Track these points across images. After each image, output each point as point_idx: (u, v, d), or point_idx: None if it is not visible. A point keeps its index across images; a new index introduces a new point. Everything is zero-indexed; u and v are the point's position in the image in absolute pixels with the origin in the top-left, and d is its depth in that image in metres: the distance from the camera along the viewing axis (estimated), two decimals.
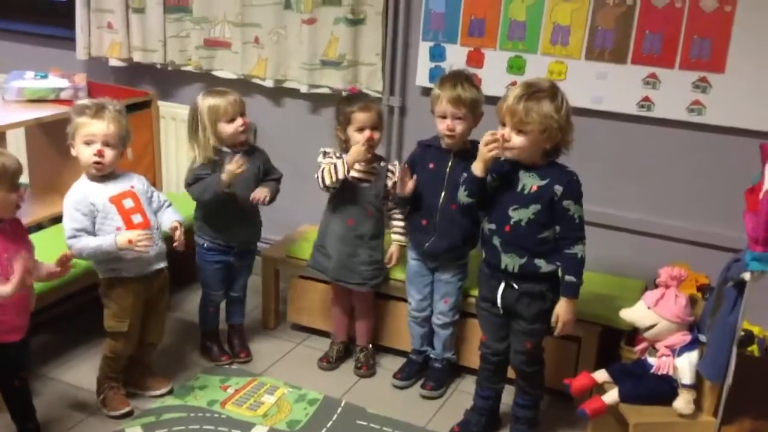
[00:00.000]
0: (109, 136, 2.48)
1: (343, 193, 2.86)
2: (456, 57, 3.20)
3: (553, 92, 2.30)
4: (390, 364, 3.09)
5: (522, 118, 2.26)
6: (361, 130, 2.80)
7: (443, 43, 3.24)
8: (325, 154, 2.85)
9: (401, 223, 2.94)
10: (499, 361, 2.59)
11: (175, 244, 2.60)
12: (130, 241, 2.47)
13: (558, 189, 2.32)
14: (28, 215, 3.24)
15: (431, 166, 2.77)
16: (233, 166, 2.71)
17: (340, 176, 2.76)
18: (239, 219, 2.91)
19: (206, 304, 3.05)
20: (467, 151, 2.70)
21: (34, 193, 3.51)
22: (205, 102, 2.81)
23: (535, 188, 2.34)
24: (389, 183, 2.89)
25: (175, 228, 2.59)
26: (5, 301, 2.18)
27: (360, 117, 2.80)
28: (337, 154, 2.84)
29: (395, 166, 2.90)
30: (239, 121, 2.81)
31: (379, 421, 2.76)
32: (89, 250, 2.48)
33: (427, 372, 2.97)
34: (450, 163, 2.74)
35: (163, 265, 2.66)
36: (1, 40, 4.15)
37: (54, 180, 3.22)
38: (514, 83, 2.92)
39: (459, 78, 2.70)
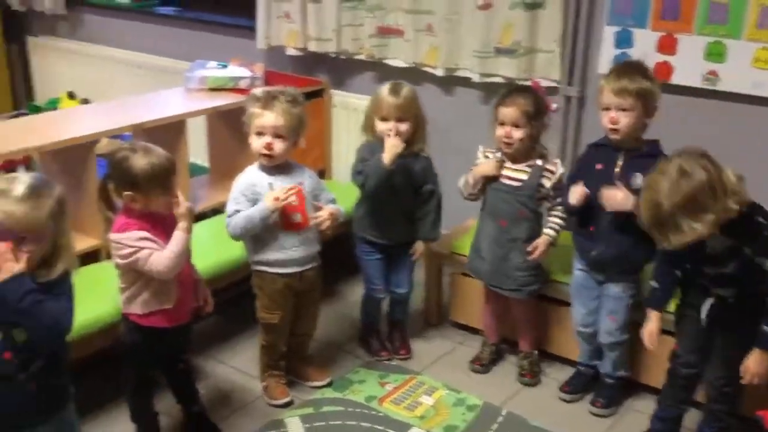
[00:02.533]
0: (279, 128, 2.46)
1: (494, 194, 2.70)
2: (645, 43, 2.93)
3: None
4: (557, 374, 2.89)
5: None
6: (502, 125, 2.62)
7: (631, 28, 2.97)
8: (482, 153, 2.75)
9: (558, 221, 2.71)
10: (690, 376, 2.34)
11: (323, 226, 2.54)
12: (276, 199, 2.45)
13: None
14: (206, 200, 3.37)
15: (598, 167, 2.53)
16: (391, 142, 2.61)
17: (471, 190, 2.69)
18: (399, 214, 2.83)
19: (368, 298, 3.00)
20: (639, 150, 2.45)
21: (213, 178, 3.65)
22: (376, 93, 2.76)
23: None
24: (546, 183, 2.67)
25: (326, 215, 2.53)
26: (179, 286, 2.25)
27: (502, 112, 2.63)
28: (487, 154, 2.71)
29: (556, 165, 2.69)
30: (390, 124, 2.70)
31: None
32: (242, 221, 2.47)
33: (598, 387, 2.75)
34: (619, 163, 2.48)
35: (313, 265, 2.63)
36: (188, 30, 4.35)
37: (232, 166, 3.29)
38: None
39: (628, 67, 2.47)
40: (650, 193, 1.99)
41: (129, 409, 2.43)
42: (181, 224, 2.20)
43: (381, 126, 2.72)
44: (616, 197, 2.42)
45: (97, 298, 2.45)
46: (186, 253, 2.22)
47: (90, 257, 2.82)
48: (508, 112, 2.61)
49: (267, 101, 2.47)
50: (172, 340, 2.36)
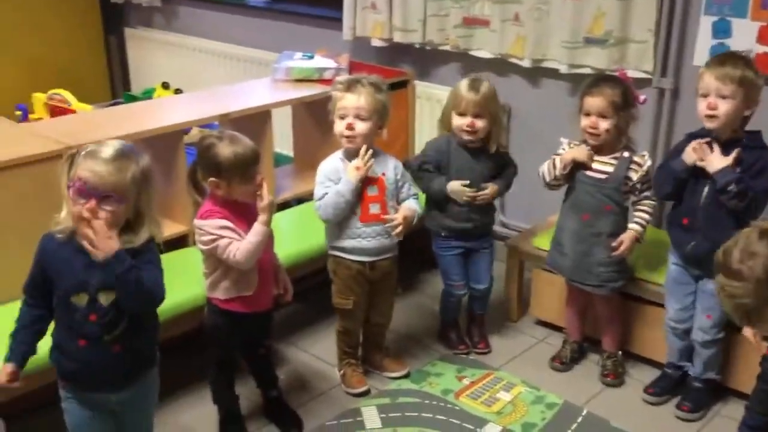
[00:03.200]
0: (361, 109, 2.47)
1: (578, 186, 2.62)
2: (744, 33, 2.78)
3: None
4: (641, 375, 2.80)
5: None
6: (587, 115, 2.54)
7: (729, 17, 2.83)
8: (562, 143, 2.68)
9: (645, 215, 2.62)
10: None
11: (395, 232, 2.55)
12: (358, 168, 2.46)
13: None
14: (289, 189, 3.42)
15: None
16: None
17: (557, 173, 2.61)
18: (473, 205, 2.78)
19: (447, 295, 2.97)
20: (739, 141, 2.33)
21: (296, 168, 3.70)
22: (454, 88, 2.74)
23: None
24: (633, 176, 2.58)
25: (401, 219, 2.53)
26: (259, 274, 2.29)
27: (587, 101, 2.55)
28: (572, 144, 2.64)
29: (643, 157, 2.59)
30: (467, 120, 2.67)
31: None
32: (332, 199, 2.49)
33: (685, 390, 2.64)
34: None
35: (387, 256, 2.63)
36: (277, 21, 4.41)
37: (316, 156, 3.32)
38: None
39: (732, 55, 2.37)
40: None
41: (211, 391, 2.50)
42: (261, 217, 2.23)
43: (458, 121, 2.69)
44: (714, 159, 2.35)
45: (184, 282, 2.51)
46: (263, 246, 2.25)
47: (179, 242, 2.90)
48: (595, 101, 2.53)
49: (350, 85, 2.49)
50: (252, 326, 2.41)
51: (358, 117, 2.47)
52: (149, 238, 1.87)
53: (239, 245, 2.20)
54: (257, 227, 2.22)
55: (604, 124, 2.53)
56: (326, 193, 2.51)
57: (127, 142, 1.89)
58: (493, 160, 2.77)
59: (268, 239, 2.29)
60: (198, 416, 2.57)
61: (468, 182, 2.72)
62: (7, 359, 1.89)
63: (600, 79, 2.61)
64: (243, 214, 2.26)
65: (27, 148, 2.49)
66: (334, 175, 2.53)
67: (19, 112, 4.28)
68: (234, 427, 2.49)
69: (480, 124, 2.67)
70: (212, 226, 2.21)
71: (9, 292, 2.22)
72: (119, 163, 1.77)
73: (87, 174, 1.75)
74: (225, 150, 2.19)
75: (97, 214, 1.75)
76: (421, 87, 3.72)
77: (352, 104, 2.46)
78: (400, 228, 2.54)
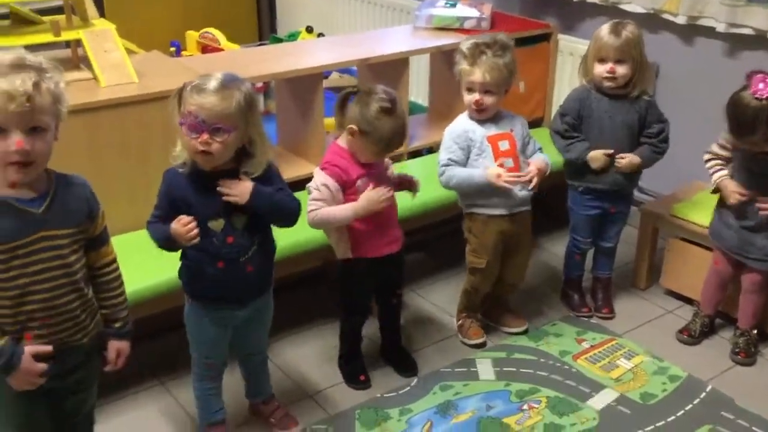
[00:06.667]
0: (488, 85, 2.44)
1: (745, 155, 2.46)
2: None
3: None
4: None
5: None
6: None
7: None
8: None
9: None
10: None
11: (531, 186, 2.51)
12: (498, 176, 2.44)
13: None
14: (422, 138, 3.41)
15: None
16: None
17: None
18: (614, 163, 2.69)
19: (572, 250, 2.91)
20: None
21: (430, 117, 3.69)
22: (595, 32, 2.64)
23: None
24: None
25: (534, 170, 2.50)
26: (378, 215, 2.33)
27: None
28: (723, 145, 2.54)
29: None
30: (608, 66, 2.56)
31: (748, 418, 2.39)
32: (458, 179, 2.50)
33: None
34: None
35: (525, 208, 2.59)
36: None
37: (451, 107, 3.31)
38: None
39: None
40: None
41: (340, 326, 2.57)
42: (358, 204, 2.27)
43: (598, 68, 2.59)
44: None
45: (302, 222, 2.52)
46: (338, 224, 2.33)
47: (309, 182, 2.97)
48: None
49: (474, 57, 2.44)
50: (380, 272, 2.44)
51: (485, 92, 2.45)
52: (269, 162, 1.98)
53: (323, 208, 2.26)
54: (349, 209, 2.28)
55: None
56: (451, 159, 2.49)
57: (234, 74, 1.94)
58: (636, 109, 2.65)
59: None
60: (302, 354, 2.67)
61: (611, 151, 2.63)
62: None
63: None
64: (370, 170, 2.31)
65: (176, 81, 2.62)
66: (461, 138, 2.51)
67: (173, 48, 4.50)
68: (354, 363, 2.57)
69: (621, 70, 2.56)
70: (318, 178, 2.29)
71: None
72: (223, 94, 1.84)
73: (194, 108, 1.84)
74: (387, 120, 2.22)
75: (210, 147, 1.84)
76: (564, 41, 3.60)
77: (478, 80, 2.43)
78: (535, 180, 2.50)
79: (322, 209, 2.26)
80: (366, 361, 2.59)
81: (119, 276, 1.80)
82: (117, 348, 1.80)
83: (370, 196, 2.28)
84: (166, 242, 1.96)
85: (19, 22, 2.58)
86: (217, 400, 2.24)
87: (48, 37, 2.53)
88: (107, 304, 1.78)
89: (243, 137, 1.91)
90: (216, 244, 1.96)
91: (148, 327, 2.31)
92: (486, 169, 2.47)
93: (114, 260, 1.78)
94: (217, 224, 1.95)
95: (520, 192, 2.53)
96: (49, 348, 1.64)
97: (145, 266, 2.27)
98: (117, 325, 1.80)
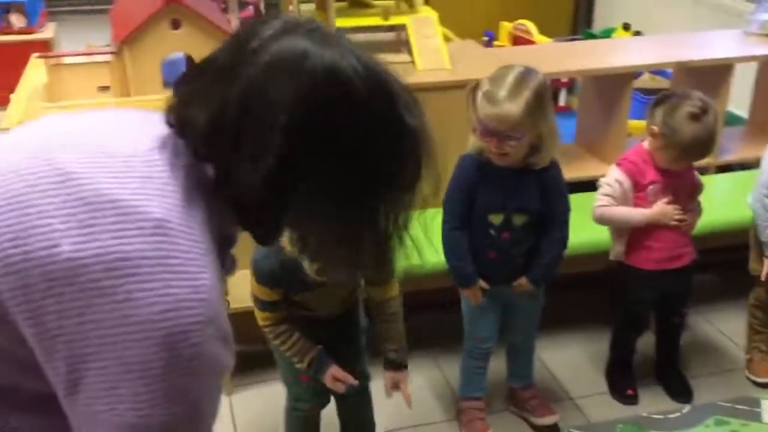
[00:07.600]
0: None
1: None
2: None
3: None
4: None
5: None
6: None
7: None
8: None
9: None
10: None
11: None
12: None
13: None
14: (735, 152, 3.16)
15: None
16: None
17: None
18: None
19: None
20: None
21: (748, 131, 3.39)
22: None
23: None
24: None
25: None
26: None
27: None
28: None
29: None
30: None
31: None
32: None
33: None
34: None
35: None
36: None
37: None
38: None
39: None
40: None
41: (612, 334, 2.51)
42: (650, 212, 2.20)
43: None
44: None
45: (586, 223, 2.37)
46: (625, 225, 2.26)
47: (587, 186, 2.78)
48: None
49: None
50: (662, 286, 2.32)
51: None
52: (552, 159, 1.99)
53: (611, 207, 2.20)
54: (638, 215, 2.21)
55: None
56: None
57: (528, 68, 1.94)
58: None
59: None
60: (569, 355, 2.64)
61: None
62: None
63: None
64: (664, 173, 2.21)
65: (485, 71, 2.69)
66: None
67: (485, 38, 4.63)
68: (623, 374, 2.48)
69: None
70: (613, 174, 2.23)
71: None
72: (512, 101, 1.85)
73: (485, 118, 1.89)
74: (691, 126, 2.10)
75: (503, 149, 1.91)
76: None
77: None
78: None
79: (610, 207, 2.22)
80: (639, 380, 2.49)
81: None
82: None
83: (666, 210, 2.20)
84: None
85: (355, 4, 2.84)
86: (480, 378, 2.30)
87: (377, 21, 2.75)
88: None
89: (534, 135, 1.94)
90: (492, 235, 2.05)
91: (424, 302, 2.43)
92: None
93: None
94: (496, 218, 2.03)
95: None
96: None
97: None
98: None
